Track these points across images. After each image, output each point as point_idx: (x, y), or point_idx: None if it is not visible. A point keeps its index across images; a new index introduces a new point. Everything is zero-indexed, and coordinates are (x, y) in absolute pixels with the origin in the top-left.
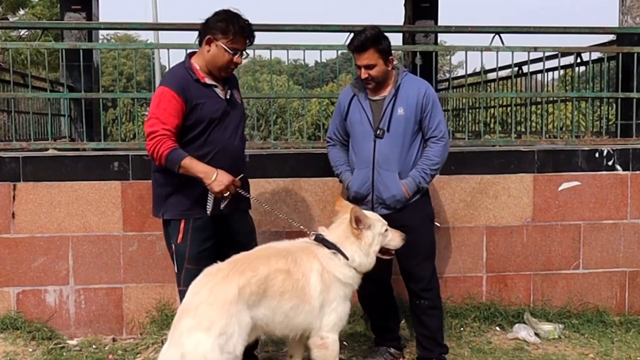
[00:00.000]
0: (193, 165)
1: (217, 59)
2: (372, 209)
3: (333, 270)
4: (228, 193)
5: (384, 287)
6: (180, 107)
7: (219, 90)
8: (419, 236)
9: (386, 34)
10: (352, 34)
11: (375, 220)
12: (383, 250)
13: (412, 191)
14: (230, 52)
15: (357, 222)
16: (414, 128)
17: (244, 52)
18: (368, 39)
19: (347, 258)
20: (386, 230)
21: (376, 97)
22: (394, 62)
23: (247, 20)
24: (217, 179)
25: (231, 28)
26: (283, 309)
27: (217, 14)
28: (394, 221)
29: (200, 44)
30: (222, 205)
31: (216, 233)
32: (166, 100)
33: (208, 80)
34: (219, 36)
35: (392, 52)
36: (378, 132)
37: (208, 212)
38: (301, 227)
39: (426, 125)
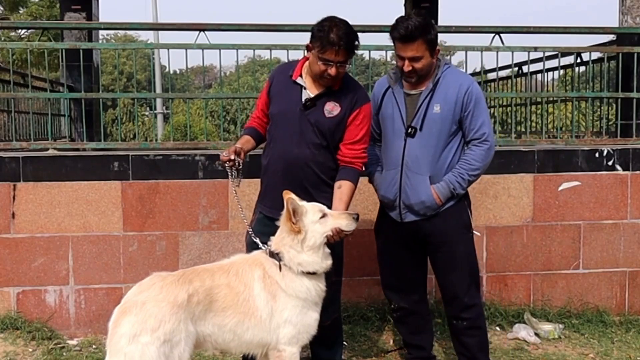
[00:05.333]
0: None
1: (312, 67)
2: (400, 216)
3: (276, 277)
4: (228, 164)
5: (416, 301)
6: (264, 96)
7: (306, 92)
8: (454, 248)
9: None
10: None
11: (309, 207)
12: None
13: (444, 197)
14: (320, 62)
15: (295, 214)
16: (452, 128)
17: (341, 64)
18: (417, 27)
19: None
20: (323, 216)
21: (413, 91)
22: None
23: (346, 32)
24: None
25: (323, 38)
26: (228, 326)
27: (321, 20)
28: (423, 230)
29: None
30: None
31: None
32: (263, 89)
33: (299, 80)
34: (315, 44)
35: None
36: (409, 130)
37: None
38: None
39: (467, 126)
